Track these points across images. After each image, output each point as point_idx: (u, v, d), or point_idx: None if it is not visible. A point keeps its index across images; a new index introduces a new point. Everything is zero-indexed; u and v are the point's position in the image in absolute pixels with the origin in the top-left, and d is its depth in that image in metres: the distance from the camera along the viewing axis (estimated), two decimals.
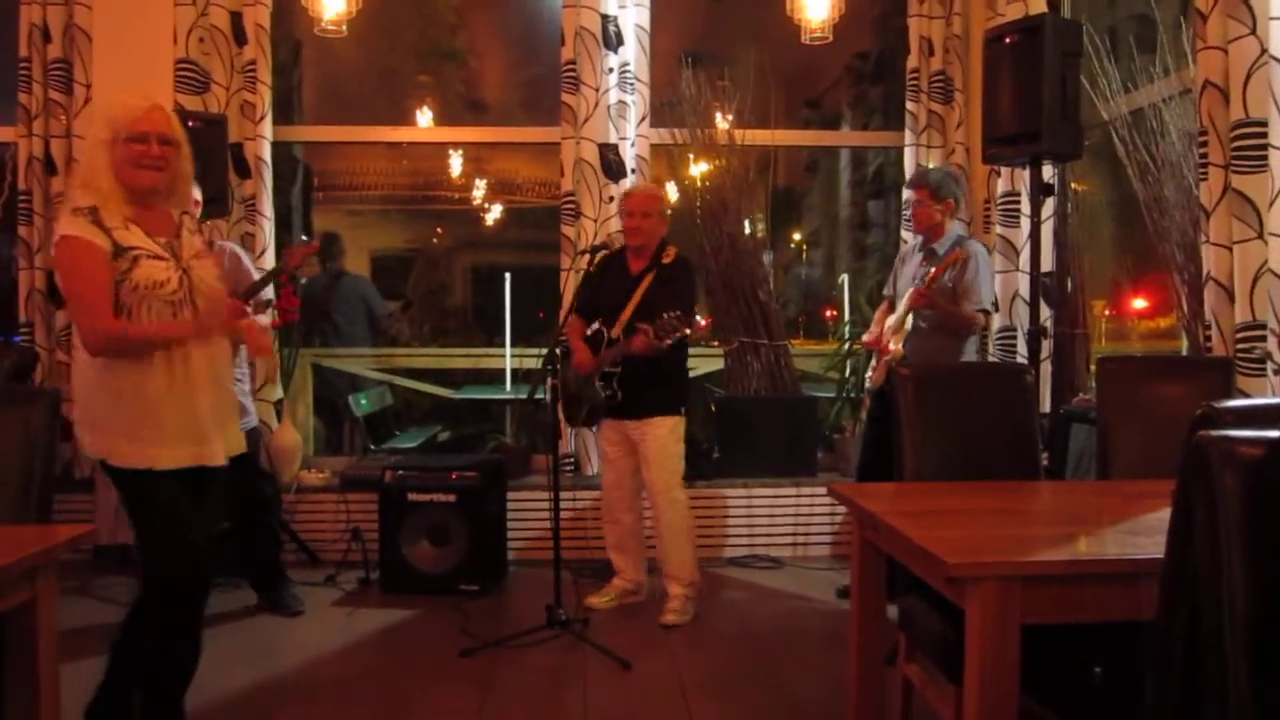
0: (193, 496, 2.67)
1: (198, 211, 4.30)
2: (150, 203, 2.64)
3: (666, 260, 4.08)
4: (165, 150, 2.61)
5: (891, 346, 4.13)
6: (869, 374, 4.48)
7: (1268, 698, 1.17)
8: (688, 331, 3.79)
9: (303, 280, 3.90)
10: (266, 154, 5.02)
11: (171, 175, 2.65)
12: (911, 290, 4.06)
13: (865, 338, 4.44)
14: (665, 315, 3.75)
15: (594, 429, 4.28)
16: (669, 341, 3.76)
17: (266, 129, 5.02)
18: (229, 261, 4.14)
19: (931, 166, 5.02)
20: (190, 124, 4.55)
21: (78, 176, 2.62)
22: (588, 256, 4.21)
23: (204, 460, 2.66)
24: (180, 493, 2.62)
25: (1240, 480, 1.20)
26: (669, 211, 4.25)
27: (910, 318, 4.14)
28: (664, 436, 4.05)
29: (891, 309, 4.38)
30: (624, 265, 4.16)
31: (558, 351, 3.98)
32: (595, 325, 4.14)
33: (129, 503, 2.65)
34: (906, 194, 4.51)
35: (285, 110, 5.64)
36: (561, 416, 4.30)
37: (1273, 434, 1.22)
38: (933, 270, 3.98)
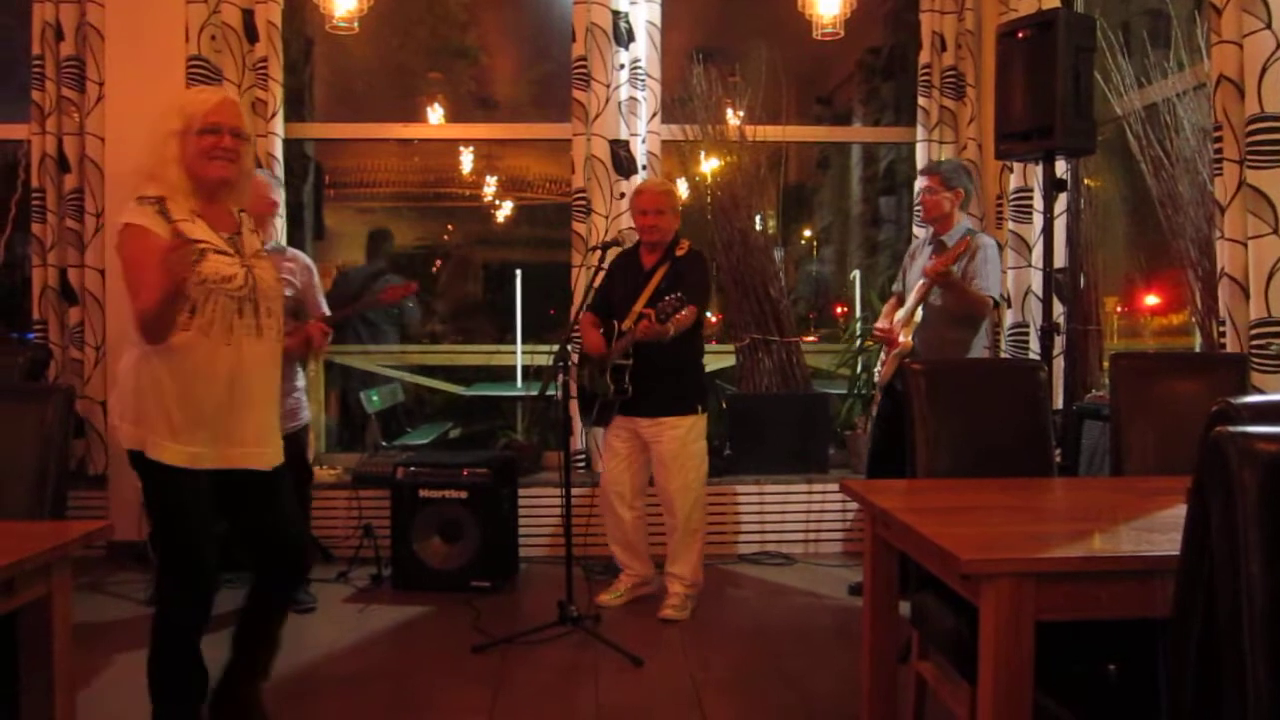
0: (238, 499, 2.67)
1: (277, 213, 4.35)
2: (217, 196, 2.62)
3: (680, 253, 4.07)
4: (237, 143, 2.59)
5: (901, 339, 4.12)
6: (878, 368, 4.47)
7: None
8: (684, 314, 3.72)
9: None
10: (278, 151, 5.03)
11: (240, 169, 2.63)
12: (927, 268, 4.04)
13: (876, 327, 4.42)
14: (667, 298, 3.73)
15: (605, 426, 4.27)
16: (671, 326, 3.72)
17: (278, 126, 5.03)
18: (302, 275, 4.15)
19: (951, 158, 5.01)
20: None
21: (143, 167, 2.57)
22: (599, 253, 4.20)
23: (249, 463, 2.64)
24: (208, 495, 2.60)
25: (1258, 476, 1.19)
26: (680, 207, 4.23)
27: (920, 310, 4.13)
28: (681, 437, 4.02)
29: (900, 304, 4.37)
30: (637, 261, 4.15)
31: (569, 348, 3.98)
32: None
33: (156, 496, 2.62)
34: (918, 182, 4.51)
35: (297, 107, 5.65)
36: (575, 414, 4.29)
37: None
38: (947, 254, 3.95)
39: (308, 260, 4.27)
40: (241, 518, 2.77)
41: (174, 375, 2.50)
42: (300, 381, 4.20)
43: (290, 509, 2.85)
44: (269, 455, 2.70)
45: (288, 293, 4.07)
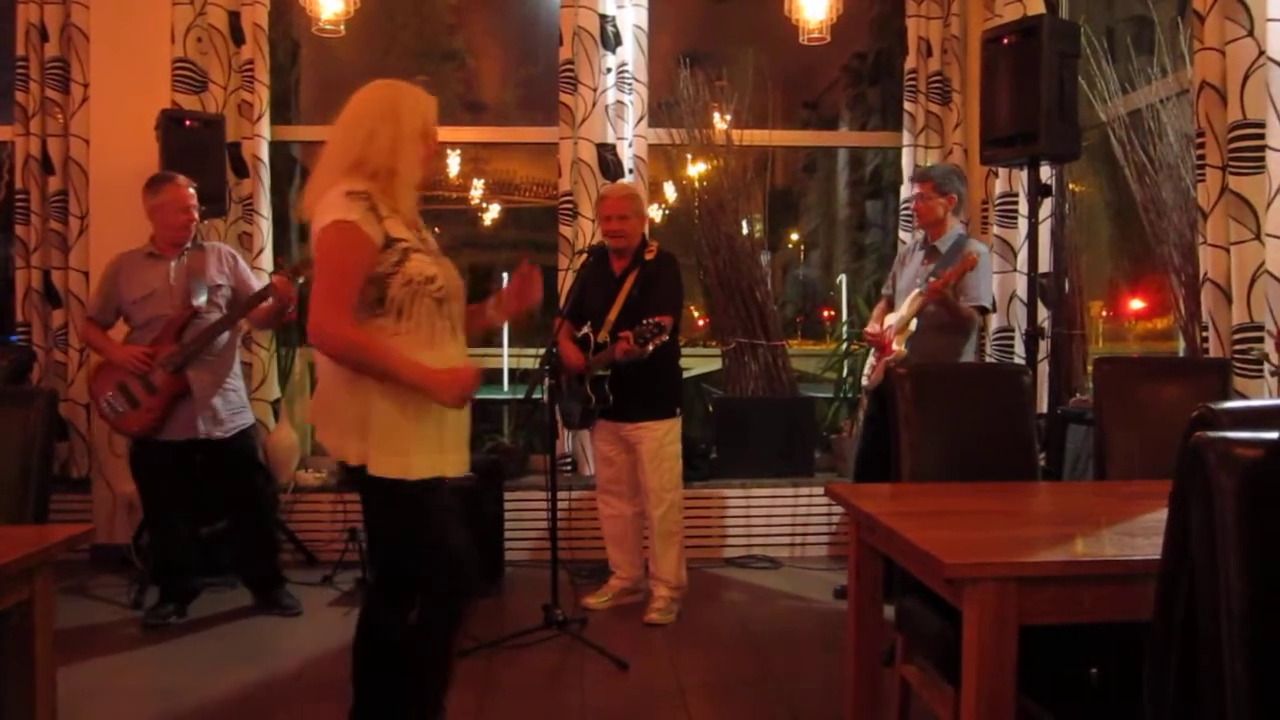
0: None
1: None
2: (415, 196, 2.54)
3: (649, 257, 4.07)
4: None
5: (895, 346, 4.13)
6: (866, 373, 4.47)
7: (1264, 697, 1.17)
8: (666, 338, 3.78)
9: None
10: (264, 153, 5.02)
11: None
12: (927, 284, 4.04)
13: (866, 329, 4.43)
14: (645, 321, 3.75)
15: (589, 429, 4.28)
16: (650, 347, 3.76)
17: (264, 128, 5.02)
18: (228, 262, 4.16)
19: (942, 164, 5.03)
20: (187, 124, 4.59)
21: (348, 159, 2.41)
22: (585, 257, 4.21)
23: (461, 470, 2.57)
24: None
25: (1237, 481, 1.20)
26: (645, 210, 4.22)
27: (914, 321, 4.13)
28: (659, 439, 4.05)
29: (890, 307, 4.38)
30: (608, 267, 4.13)
31: (554, 351, 3.99)
32: (584, 329, 4.12)
33: (405, 513, 2.46)
34: (909, 189, 4.52)
35: (283, 110, 5.64)
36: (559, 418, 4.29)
37: (1270, 436, 1.22)
38: (947, 272, 3.96)
39: (230, 249, 4.27)
40: None
41: (392, 385, 2.37)
42: (240, 378, 4.20)
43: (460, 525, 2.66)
44: (467, 461, 2.61)
45: (220, 281, 4.06)
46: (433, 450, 2.44)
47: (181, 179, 4.05)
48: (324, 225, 2.32)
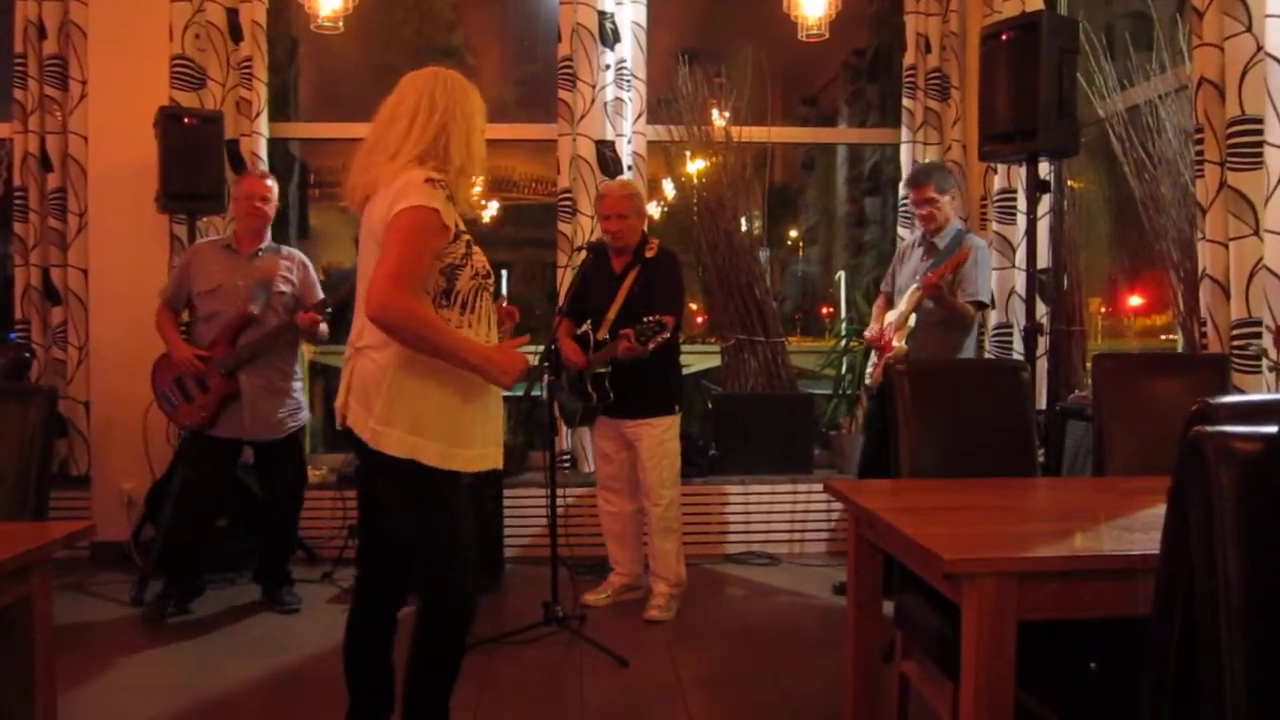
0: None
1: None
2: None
3: (650, 254, 4.07)
4: None
5: (895, 343, 4.12)
6: (868, 371, 4.47)
7: (1263, 691, 1.17)
8: (667, 336, 3.78)
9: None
10: (263, 150, 5.02)
11: None
12: (923, 278, 4.03)
13: (867, 333, 4.42)
14: (646, 320, 3.74)
15: (590, 427, 4.28)
16: (651, 346, 3.76)
17: (263, 125, 5.02)
18: (299, 272, 4.22)
19: (926, 162, 5.02)
20: (186, 121, 4.59)
21: (418, 148, 2.39)
22: (584, 253, 4.20)
23: (499, 463, 2.53)
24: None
25: (1236, 475, 1.20)
26: (644, 208, 4.22)
27: (913, 316, 4.13)
28: (659, 435, 4.05)
29: (889, 304, 4.38)
30: (608, 264, 4.12)
31: (554, 347, 3.99)
32: (584, 327, 4.12)
33: (439, 504, 2.42)
34: (907, 194, 4.50)
35: (281, 107, 5.64)
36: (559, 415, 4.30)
37: (1269, 429, 1.22)
38: (943, 265, 3.96)
39: (302, 256, 4.31)
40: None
41: (455, 374, 2.36)
42: (299, 379, 4.27)
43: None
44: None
45: (284, 289, 4.10)
46: (482, 442, 2.44)
47: (261, 170, 4.19)
48: (403, 208, 2.28)
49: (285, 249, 4.26)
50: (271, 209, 4.19)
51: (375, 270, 2.28)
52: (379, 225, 2.34)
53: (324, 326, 4.11)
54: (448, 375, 2.35)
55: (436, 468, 2.35)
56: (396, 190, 2.32)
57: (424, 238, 2.30)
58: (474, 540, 2.53)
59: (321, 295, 4.23)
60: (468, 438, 2.40)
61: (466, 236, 2.42)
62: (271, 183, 4.21)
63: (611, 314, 4.00)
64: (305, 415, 4.29)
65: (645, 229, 4.18)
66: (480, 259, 2.44)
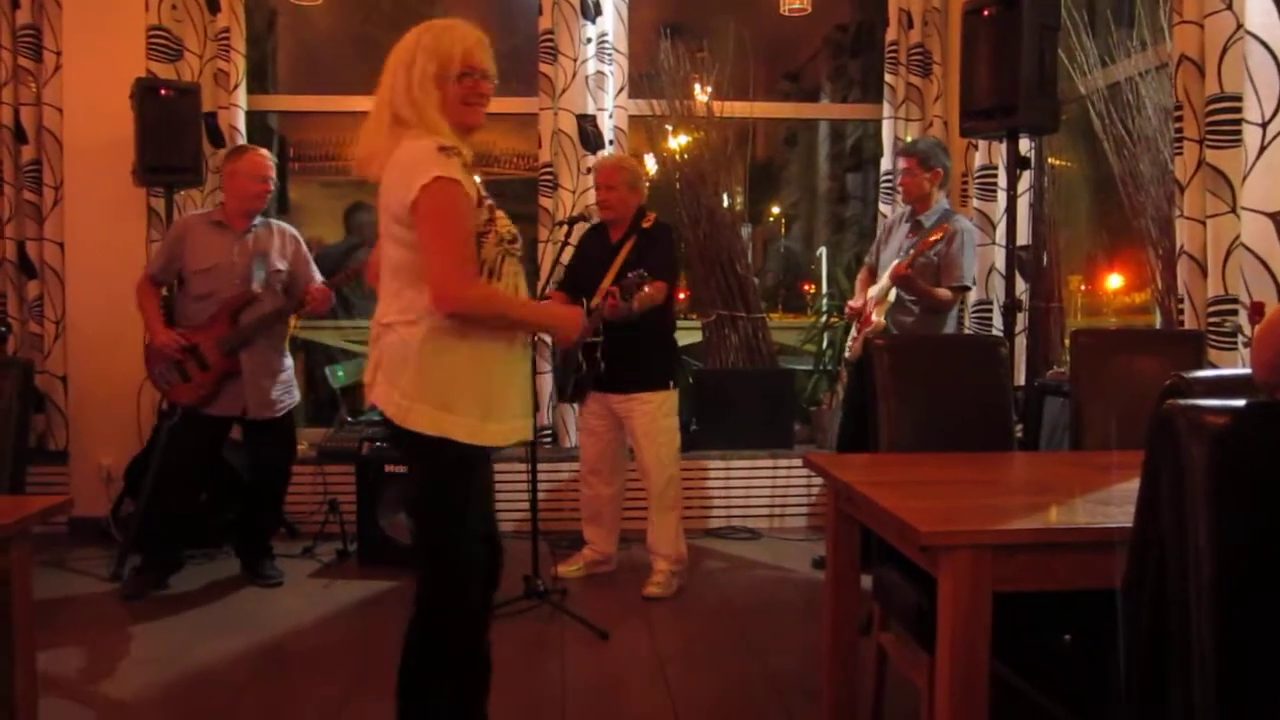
0: None
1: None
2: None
3: (646, 225, 4.07)
4: (491, 87, 2.34)
5: (874, 318, 4.14)
6: (848, 345, 4.49)
7: (1231, 660, 1.19)
8: (649, 290, 3.72)
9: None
10: (241, 123, 4.97)
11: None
12: (892, 269, 4.05)
13: (850, 304, 4.43)
14: (629, 275, 3.73)
15: (579, 405, 4.29)
16: (635, 303, 3.73)
17: (241, 98, 4.97)
18: (290, 247, 4.18)
19: (929, 137, 5.02)
20: (163, 93, 4.55)
21: (389, 113, 2.26)
22: (565, 228, 4.20)
23: (528, 435, 2.46)
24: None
25: (1206, 448, 1.22)
26: (644, 180, 4.22)
27: (893, 291, 4.15)
28: (652, 412, 4.04)
29: (872, 276, 4.38)
30: (605, 236, 4.15)
31: None
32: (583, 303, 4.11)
33: (454, 482, 2.32)
34: (893, 163, 4.51)
35: (260, 79, 5.57)
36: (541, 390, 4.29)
37: (1238, 402, 1.23)
38: (919, 244, 3.97)
39: (294, 231, 4.27)
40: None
41: (494, 352, 2.31)
42: (289, 356, 4.24)
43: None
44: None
45: (280, 266, 4.07)
46: (512, 415, 2.37)
47: (263, 150, 4.11)
48: (426, 182, 2.16)
49: (276, 224, 4.22)
50: (273, 186, 4.15)
51: (429, 265, 2.19)
52: (397, 206, 2.22)
53: (333, 296, 4.13)
54: (478, 348, 2.28)
55: (466, 443, 2.28)
56: (406, 164, 2.21)
57: (459, 216, 2.21)
58: (493, 509, 2.51)
59: (315, 269, 4.21)
60: (498, 411, 2.32)
61: (489, 202, 2.31)
62: (273, 159, 4.15)
63: (605, 283, 3.97)
64: (297, 394, 4.28)
65: (643, 204, 4.16)
66: (505, 224, 2.33)
